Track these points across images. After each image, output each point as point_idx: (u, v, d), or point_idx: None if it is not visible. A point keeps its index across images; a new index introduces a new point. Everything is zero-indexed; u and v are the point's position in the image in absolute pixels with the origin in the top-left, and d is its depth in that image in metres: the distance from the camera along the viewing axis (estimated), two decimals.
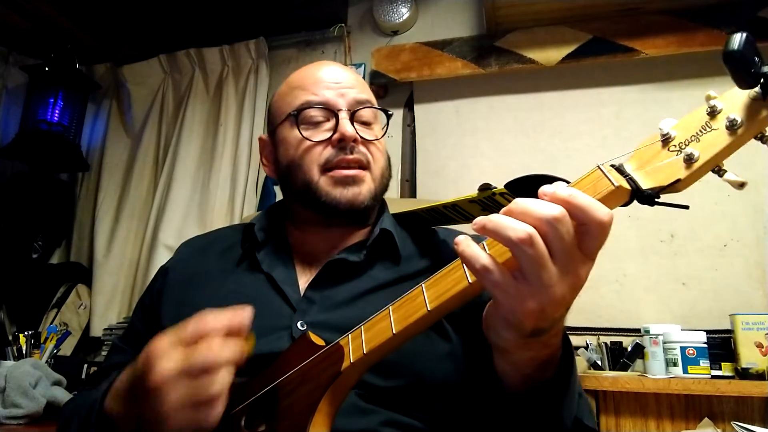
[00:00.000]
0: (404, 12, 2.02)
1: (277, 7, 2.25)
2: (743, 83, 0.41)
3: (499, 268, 0.43)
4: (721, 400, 1.23)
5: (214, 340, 0.50)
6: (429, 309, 0.47)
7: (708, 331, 1.37)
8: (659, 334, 1.38)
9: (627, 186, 0.43)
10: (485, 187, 0.70)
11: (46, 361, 1.64)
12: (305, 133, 0.76)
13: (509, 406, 0.53)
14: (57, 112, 2.10)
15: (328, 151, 0.75)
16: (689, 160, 0.42)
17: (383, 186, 0.80)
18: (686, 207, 0.45)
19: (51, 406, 1.41)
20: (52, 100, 2.10)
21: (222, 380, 0.49)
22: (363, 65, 2.08)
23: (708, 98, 0.44)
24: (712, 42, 1.66)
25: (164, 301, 0.78)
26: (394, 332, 0.49)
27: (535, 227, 0.41)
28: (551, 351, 0.50)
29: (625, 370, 1.44)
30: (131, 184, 2.20)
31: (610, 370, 1.47)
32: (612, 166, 0.45)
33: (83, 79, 2.23)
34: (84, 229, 2.27)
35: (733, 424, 1.16)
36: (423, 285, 0.49)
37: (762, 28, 1.63)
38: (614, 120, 1.79)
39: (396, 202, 0.87)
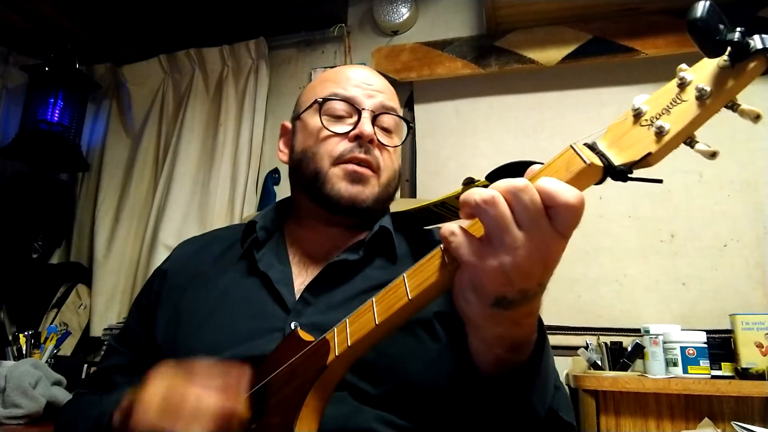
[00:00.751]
0: (404, 12, 2.02)
1: (277, 7, 2.25)
2: (710, 52, 0.40)
3: (464, 231, 0.44)
4: (721, 400, 1.23)
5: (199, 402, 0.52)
6: (410, 298, 0.47)
7: (708, 331, 1.37)
8: (659, 334, 1.38)
9: (599, 163, 0.43)
10: (469, 181, 0.71)
11: (46, 361, 1.64)
12: (326, 123, 0.77)
13: (480, 390, 0.53)
14: (57, 112, 2.10)
15: (344, 145, 0.76)
16: (660, 133, 0.42)
17: (387, 194, 0.80)
18: (660, 181, 0.45)
19: (51, 406, 1.41)
20: (52, 100, 2.10)
21: None
22: (363, 65, 2.07)
23: (678, 70, 0.44)
24: None
25: (161, 303, 0.78)
26: (377, 323, 0.49)
27: (501, 195, 0.42)
28: (523, 332, 0.49)
29: (625, 370, 1.44)
30: (131, 184, 2.20)
31: (610, 370, 1.47)
32: (585, 144, 0.45)
33: (83, 79, 2.23)
34: (84, 229, 2.27)
35: (733, 424, 1.16)
36: (404, 275, 0.49)
37: (762, 28, 1.62)
38: (614, 120, 1.78)
39: (396, 202, 0.87)
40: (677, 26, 1.71)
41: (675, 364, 1.32)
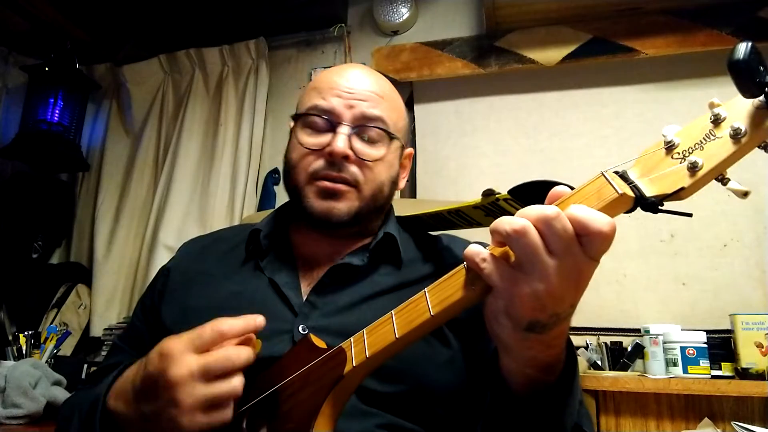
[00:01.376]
0: (404, 12, 2.02)
1: (277, 7, 2.24)
2: (747, 92, 0.41)
3: (496, 258, 0.45)
4: (721, 400, 1.23)
5: (229, 345, 0.54)
6: (432, 314, 0.48)
7: (708, 331, 1.37)
8: (659, 334, 1.38)
9: (631, 193, 0.44)
10: (489, 193, 0.70)
11: (46, 361, 1.64)
12: (304, 139, 0.76)
13: (512, 408, 0.53)
14: (57, 112, 2.10)
15: (318, 163, 0.74)
16: (693, 168, 0.42)
17: (375, 205, 0.77)
18: (689, 215, 0.45)
19: (51, 406, 1.41)
20: (52, 100, 2.10)
21: (236, 384, 0.52)
22: (358, 65, 2.07)
23: (711, 106, 0.44)
24: (712, 42, 1.66)
25: (166, 301, 0.78)
26: (397, 336, 0.49)
27: (531, 223, 0.43)
28: (554, 353, 0.49)
29: (625, 370, 1.44)
30: (131, 184, 2.20)
31: (610, 370, 1.47)
32: (615, 172, 0.45)
33: (83, 79, 2.23)
34: (84, 229, 2.27)
35: (733, 424, 1.16)
36: (426, 290, 0.50)
37: (762, 28, 1.63)
38: (614, 120, 1.79)
39: (396, 202, 0.86)
40: (677, 26, 1.71)
41: (675, 364, 1.32)
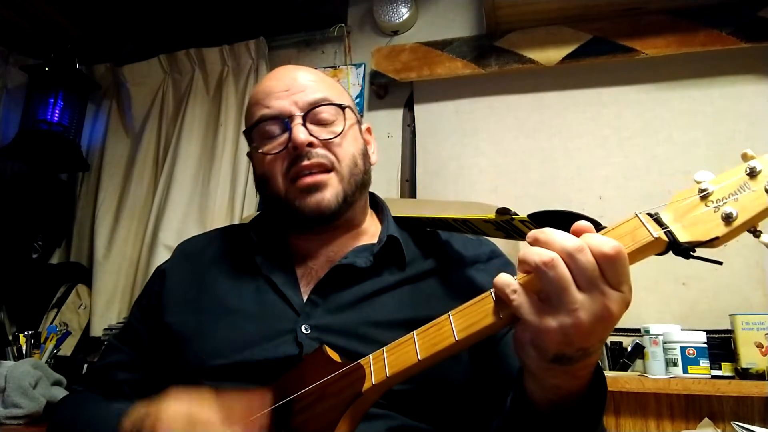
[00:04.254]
0: (404, 12, 2.02)
1: (277, 7, 2.25)
2: None
3: (525, 290, 0.45)
4: (721, 400, 1.23)
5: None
6: (457, 339, 0.48)
7: (708, 331, 1.37)
8: (659, 334, 1.38)
9: (665, 238, 0.44)
10: (504, 212, 0.70)
11: (46, 361, 1.64)
12: (264, 148, 0.76)
13: (534, 423, 0.53)
14: (57, 112, 2.10)
15: (288, 161, 0.75)
16: (728, 218, 0.43)
17: (356, 182, 0.77)
18: (720, 263, 0.47)
19: (51, 406, 1.40)
20: (52, 100, 2.10)
21: None
22: (363, 65, 2.08)
23: (745, 157, 0.45)
24: (712, 42, 1.66)
25: (164, 302, 0.78)
26: (420, 358, 0.50)
27: (558, 255, 0.43)
28: (580, 383, 0.49)
29: (625, 370, 1.44)
30: (131, 184, 2.20)
31: (610, 370, 1.47)
32: (649, 214, 0.46)
33: (83, 79, 2.23)
34: (84, 229, 2.27)
35: (733, 424, 1.16)
36: (450, 314, 0.50)
37: (762, 28, 1.62)
38: (614, 120, 1.79)
39: (396, 202, 0.87)
40: (677, 26, 1.71)
41: (675, 364, 1.32)
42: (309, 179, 0.73)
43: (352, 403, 0.52)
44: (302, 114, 0.75)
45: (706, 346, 1.33)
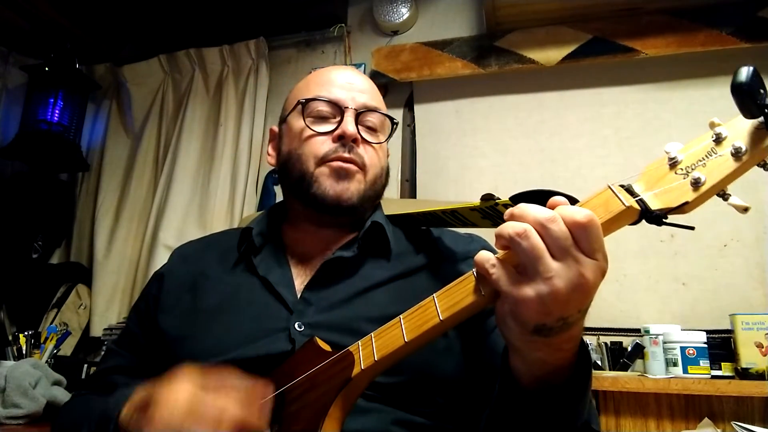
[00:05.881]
0: (404, 12, 2.02)
1: (277, 7, 2.25)
2: (748, 113, 0.44)
3: (504, 263, 0.46)
4: (721, 400, 1.23)
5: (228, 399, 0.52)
6: (441, 319, 0.49)
7: (708, 331, 1.37)
8: (659, 334, 1.38)
9: (637, 207, 0.45)
10: (488, 198, 0.72)
11: (46, 361, 1.64)
12: (310, 124, 0.78)
13: (520, 402, 0.53)
14: (57, 112, 2.10)
15: (328, 145, 0.77)
16: (696, 183, 0.45)
17: (374, 192, 0.80)
18: (692, 228, 0.49)
19: (51, 406, 1.41)
20: (52, 100, 2.10)
21: None
22: (363, 65, 2.08)
23: (712, 125, 0.46)
24: (712, 42, 1.66)
25: (161, 307, 0.78)
26: (406, 340, 0.50)
27: (531, 226, 0.44)
28: (563, 356, 0.49)
29: (625, 370, 1.44)
30: (131, 184, 2.20)
31: (610, 370, 1.47)
32: (621, 185, 0.47)
33: (83, 79, 2.23)
34: (84, 229, 2.27)
35: (733, 424, 1.16)
36: (435, 296, 0.51)
37: (762, 28, 1.63)
38: (614, 120, 1.79)
39: (396, 202, 0.87)
40: (677, 26, 1.71)
41: (675, 364, 1.32)
42: (344, 164, 0.76)
43: (343, 388, 0.53)
44: (357, 110, 0.79)
45: (706, 346, 1.33)
